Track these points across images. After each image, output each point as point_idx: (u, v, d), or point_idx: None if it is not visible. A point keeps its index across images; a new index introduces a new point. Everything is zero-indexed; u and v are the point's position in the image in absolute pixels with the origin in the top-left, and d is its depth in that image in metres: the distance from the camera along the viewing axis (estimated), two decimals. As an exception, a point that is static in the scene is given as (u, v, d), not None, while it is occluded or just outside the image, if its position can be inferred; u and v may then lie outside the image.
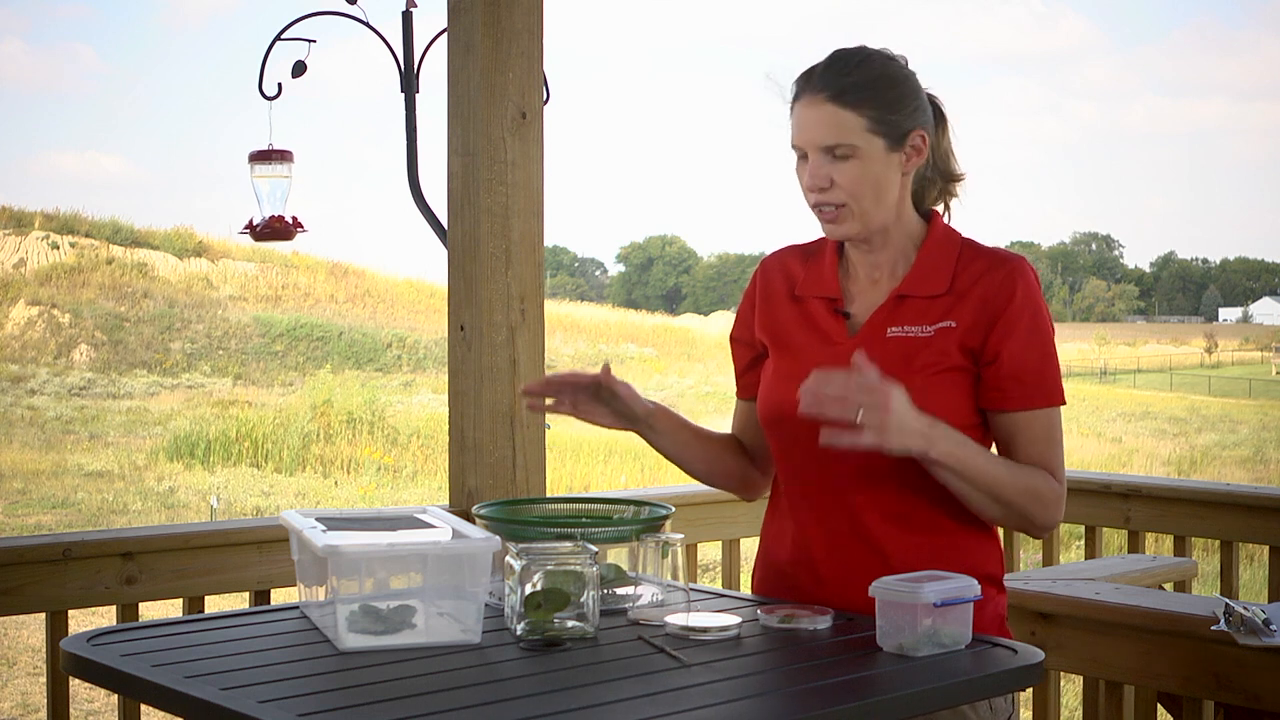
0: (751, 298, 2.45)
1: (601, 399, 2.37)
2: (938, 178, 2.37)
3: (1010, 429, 2.26)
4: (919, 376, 2.21)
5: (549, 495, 3.16)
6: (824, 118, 2.22)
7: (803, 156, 2.27)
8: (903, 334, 2.26)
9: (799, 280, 2.38)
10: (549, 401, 2.39)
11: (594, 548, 2.08)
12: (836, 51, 2.29)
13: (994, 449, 2.31)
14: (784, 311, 2.38)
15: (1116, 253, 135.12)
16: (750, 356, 2.46)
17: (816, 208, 2.27)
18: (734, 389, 2.53)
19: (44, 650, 2.88)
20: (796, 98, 2.28)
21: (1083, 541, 4.08)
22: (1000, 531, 2.38)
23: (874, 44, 2.31)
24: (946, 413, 2.21)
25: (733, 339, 2.50)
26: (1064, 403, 2.28)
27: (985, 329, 2.23)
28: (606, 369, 2.36)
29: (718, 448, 2.49)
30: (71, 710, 2.88)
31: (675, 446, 2.44)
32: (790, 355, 2.34)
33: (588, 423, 2.38)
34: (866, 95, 2.23)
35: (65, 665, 2.03)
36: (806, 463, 2.29)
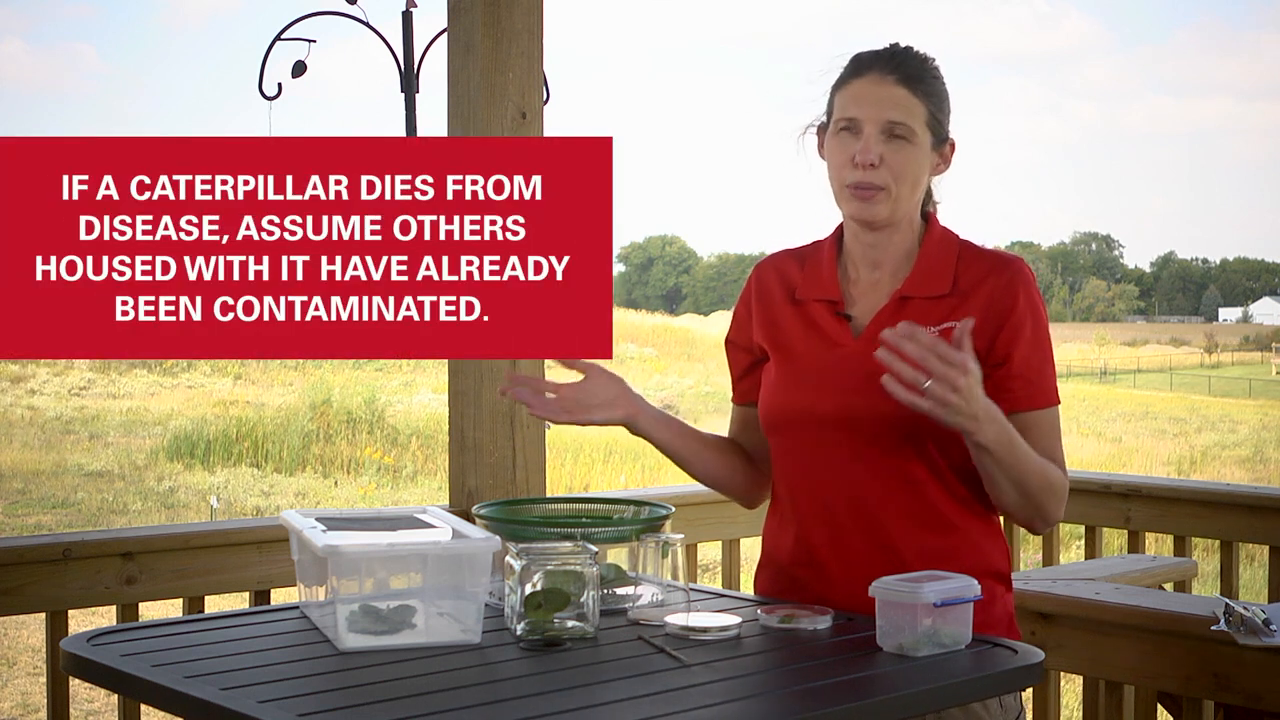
0: (748, 301, 2.44)
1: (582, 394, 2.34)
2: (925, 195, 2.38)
3: (1019, 428, 2.26)
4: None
5: (549, 495, 3.16)
6: (894, 96, 2.24)
7: (848, 129, 2.25)
8: None
9: (798, 283, 2.37)
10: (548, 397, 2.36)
11: (594, 548, 2.08)
12: (897, 44, 2.31)
13: None
14: (783, 315, 2.37)
15: (1116, 253, 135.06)
16: (748, 362, 2.45)
17: (853, 186, 2.25)
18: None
19: (44, 650, 2.87)
20: (857, 74, 2.28)
21: (1083, 541, 4.08)
22: (1002, 528, 2.38)
23: (881, 45, 2.32)
24: None
25: (729, 342, 2.49)
26: (1059, 402, 2.29)
27: (992, 332, 2.23)
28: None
29: (718, 448, 2.48)
30: (71, 710, 2.88)
31: (669, 438, 2.41)
32: (793, 359, 2.34)
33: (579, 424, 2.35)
34: (930, 89, 2.26)
35: (65, 665, 2.03)
36: (811, 466, 2.28)
